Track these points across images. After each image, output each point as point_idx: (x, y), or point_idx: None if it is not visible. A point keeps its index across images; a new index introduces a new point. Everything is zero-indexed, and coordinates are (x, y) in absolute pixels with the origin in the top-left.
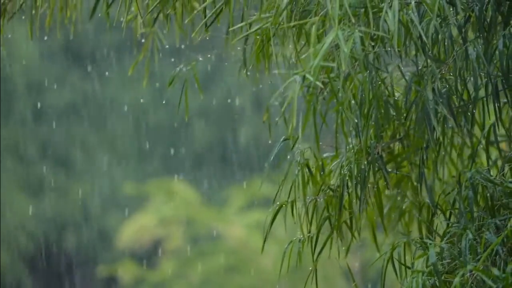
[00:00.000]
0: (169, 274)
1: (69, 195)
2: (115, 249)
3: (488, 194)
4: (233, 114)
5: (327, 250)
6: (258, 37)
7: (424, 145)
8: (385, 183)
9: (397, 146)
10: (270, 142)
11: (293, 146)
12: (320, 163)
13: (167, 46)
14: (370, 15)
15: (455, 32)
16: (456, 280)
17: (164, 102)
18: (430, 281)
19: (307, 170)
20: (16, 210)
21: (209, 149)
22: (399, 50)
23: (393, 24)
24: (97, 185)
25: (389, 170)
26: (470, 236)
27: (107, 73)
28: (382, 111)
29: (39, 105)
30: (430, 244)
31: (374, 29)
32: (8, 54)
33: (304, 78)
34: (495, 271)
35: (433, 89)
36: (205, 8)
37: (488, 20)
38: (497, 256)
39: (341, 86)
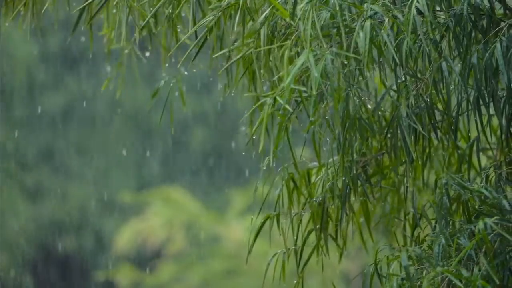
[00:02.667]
0: (168, 278)
1: (67, 200)
2: (113, 254)
3: (464, 201)
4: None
5: (325, 255)
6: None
7: (407, 160)
8: (366, 197)
9: (384, 158)
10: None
11: (271, 162)
12: (306, 176)
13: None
14: (343, 35)
15: (432, 48)
16: (424, 283)
17: (151, 106)
18: (406, 285)
19: (292, 183)
20: (15, 214)
21: (208, 152)
22: (373, 68)
23: (364, 45)
24: (95, 189)
25: (375, 182)
26: (443, 241)
27: (106, 76)
28: (357, 128)
29: (37, 108)
30: (403, 249)
31: (345, 50)
32: (6, 56)
33: (275, 100)
34: (464, 272)
35: (408, 106)
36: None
37: (467, 35)
38: (471, 261)
39: (312, 106)
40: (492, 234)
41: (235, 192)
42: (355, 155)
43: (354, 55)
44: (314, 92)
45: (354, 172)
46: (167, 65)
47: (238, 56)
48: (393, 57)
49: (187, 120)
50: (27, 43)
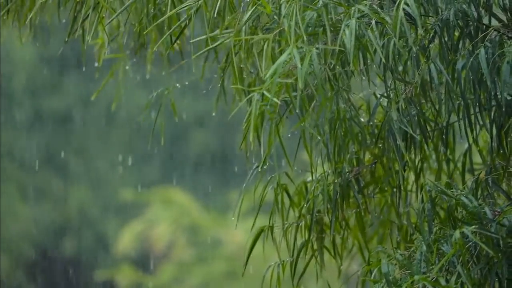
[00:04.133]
0: (168, 279)
1: (68, 201)
2: (113, 255)
3: (450, 208)
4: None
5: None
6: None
7: (399, 165)
8: (359, 207)
9: (378, 168)
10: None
11: (262, 165)
12: (304, 188)
13: (140, 75)
14: (328, 33)
15: (420, 52)
16: None
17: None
18: None
19: (286, 194)
20: (15, 216)
21: (209, 155)
22: (360, 70)
23: (350, 42)
24: (96, 191)
25: (369, 192)
26: (424, 248)
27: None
28: (345, 130)
29: (38, 110)
30: (384, 256)
31: (331, 46)
32: (6, 58)
33: (263, 95)
34: (442, 281)
35: (398, 109)
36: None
37: (455, 41)
38: (454, 268)
39: (301, 104)
40: (470, 242)
41: (237, 194)
42: (347, 165)
43: (339, 48)
44: (300, 86)
45: (347, 175)
46: (163, 73)
47: (217, 43)
48: (380, 58)
49: (190, 120)
50: (28, 45)
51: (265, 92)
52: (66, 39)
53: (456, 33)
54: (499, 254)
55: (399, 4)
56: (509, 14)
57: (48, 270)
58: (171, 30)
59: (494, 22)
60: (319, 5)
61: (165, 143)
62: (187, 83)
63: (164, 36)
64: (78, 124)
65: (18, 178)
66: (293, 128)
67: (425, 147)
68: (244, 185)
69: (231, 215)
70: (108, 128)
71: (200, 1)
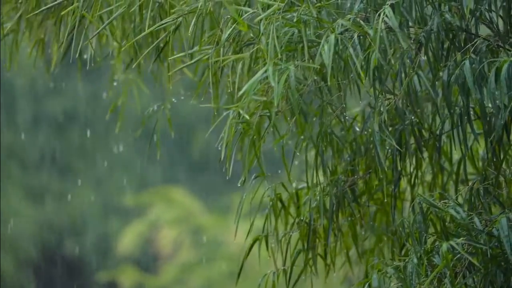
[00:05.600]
0: (170, 280)
1: (69, 202)
2: (115, 256)
3: (440, 219)
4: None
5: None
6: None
7: (384, 176)
8: (354, 215)
9: (372, 177)
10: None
11: (244, 181)
12: (295, 196)
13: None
14: (306, 49)
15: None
16: None
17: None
18: None
19: (280, 204)
20: (17, 217)
21: (210, 155)
22: (344, 83)
23: (328, 58)
24: (98, 191)
25: (363, 201)
26: (415, 260)
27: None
28: (329, 142)
29: (39, 111)
30: (375, 270)
31: (310, 62)
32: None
33: (239, 113)
34: None
35: (382, 121)
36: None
37: (444, 51)
38: (445, 279)
39: (274, 116)
40: (459, 254)
41: (238, 195)
42: (341, 175)
43: (315, 65)
44: (275, 104)
45: (342, 184)
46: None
47: (195, 60)
48: (364, 71)
49: (192, 121)
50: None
51: (240, 111)
52: (62, 54)
53: (446, 44)
54: (489, 264)
55: (379, 16)
56: (494, 26)
57: (50, 270)
58: (151, 47)
59: (486, 31)
60: (297, 19)
61: (167, 144)
62: (182, 97)
63: (145, 52)
64: (80, 124)
65: (20, 178)
66: (274, 143)
67: (420, 156)
68: (243, 196)
69: (232, 216)
70: (111, 128)
71: (179, 18)
